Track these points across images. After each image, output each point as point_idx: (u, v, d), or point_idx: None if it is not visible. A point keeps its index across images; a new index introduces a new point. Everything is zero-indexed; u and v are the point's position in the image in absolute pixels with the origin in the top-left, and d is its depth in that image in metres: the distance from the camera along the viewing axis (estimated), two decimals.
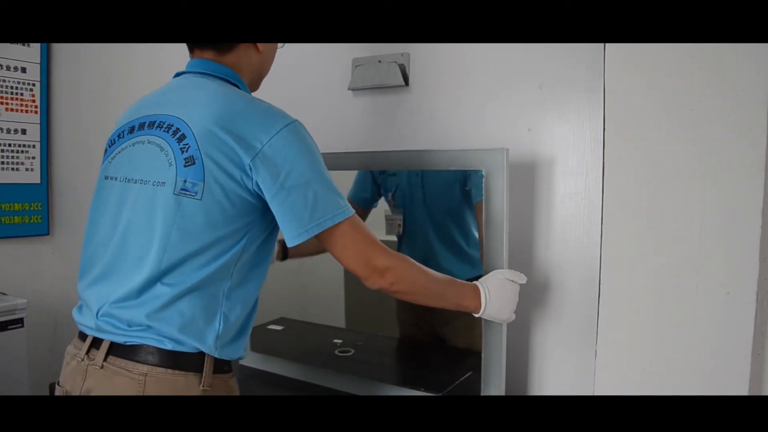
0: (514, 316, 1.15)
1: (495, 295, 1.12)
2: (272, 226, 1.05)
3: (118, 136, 1.08)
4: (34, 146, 2.23)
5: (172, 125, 0.99)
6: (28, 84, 2.20)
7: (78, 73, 2.26)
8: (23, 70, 2.19)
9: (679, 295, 0.96)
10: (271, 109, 0.99)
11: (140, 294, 0.97)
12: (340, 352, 1.55)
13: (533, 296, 1.30)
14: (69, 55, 2.27)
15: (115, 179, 1.05)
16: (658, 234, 1.01)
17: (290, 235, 0.97)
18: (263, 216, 1.02)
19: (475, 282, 1.14)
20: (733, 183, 0.95)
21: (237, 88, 1.06)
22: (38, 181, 2.25)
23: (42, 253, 2.29)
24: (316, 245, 1.01)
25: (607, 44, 1.05)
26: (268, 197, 0.97)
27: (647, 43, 1.01)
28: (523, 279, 1.15)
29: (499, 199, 1.16)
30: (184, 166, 0.95)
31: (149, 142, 1.01)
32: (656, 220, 1.01)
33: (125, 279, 0.99)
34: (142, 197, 0.99)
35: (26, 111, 2.21)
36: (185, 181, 0.95)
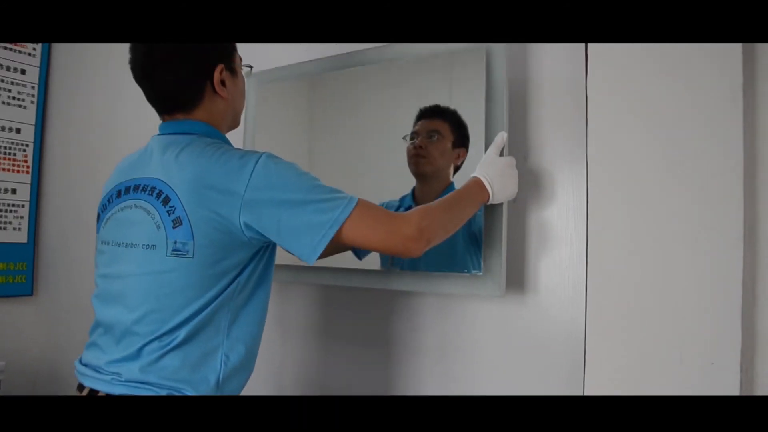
0: (517, 189, 1.19)
1: (495, 177, 1.15)
2: (266, 260, 1.08)
3: (108, 201, 1.11)
4: (23, 206, 2.23)
5: (155, 188, 1.02)
6: (22, 144, 2.23)
7: (71, 136, 2.29)
8: (18, 130, 2.21)
9: (664, 367, 0.97)
10: (241, 155, 1.01)
11: (138, 353, 0.99)
12: None
13: (518, 361, 1.30)
14: (63, 117, 2.31)
15: (109, 244, 1.08)
16: (642, 304, 1.03)
17: (307, 250, 0.97)
18: (255, 253, 1.04)
19: (472, 176, 1.16)
20: (716, 253, 0.98)
21: (210, 139, 1.08)
22: (25, 241, 2.23)
23: (24, 314, 2.24)
24: (331, 249, 1.01)
25: (589, 115, 1.09)
26: (269, 233, 0.98)
27: (630, 117, 1.06)
28: (503, 138, 1.18)
29: (500, 77, 1.23)
30: (173, 228, 0.98)
31: (136, 207, 1.04)
32: (641, 290, 1.03)
33: (121, 339, 1.02)
34: (134, 260, 1.02)
35: (18, 171, 2.22)
36: (176, 242, 0.98)
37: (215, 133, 1.11)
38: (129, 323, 1.01)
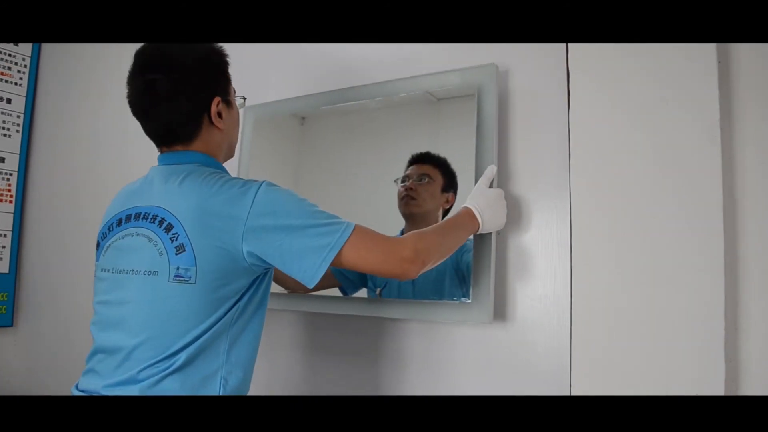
0: (505, 219, 1.23)
1: (485, 207, 1.19)
2: (264, 286, 1.10)
3: (108, 229, 1.13)
4: (5, 235, 2.21)
5: (158, 216, 1.04)
6: (6, 173, 2.21)
7: (56, 166, 2.28)
8: (2, 159, 2.20)
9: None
10: (242, 183, 1.04)
11: (137, 377, 0.99)
12: None
13: (503, 387, 1.29)
14: (48, 147, 2.30)
15: (109, 271, 1.09)
16: (626, 338, 1.03)
17: (308, 274, 1.00)
18: (254, 280, 1.07)
19: (463, 206, 1.20)
20: (697, 286, 0.99)
21: (210, 169, 1.10)
22: (6, 271, 2.21)
23: (3, 345, 2.20)
24: (327, 279, 1.04)
25: (571, 152, 1.11)
26: (272, 258, 1.01)
27: (611, 154, 1.08)
28: (493, 170, 1.23)
29: (491, 114, 1.28)
30: (176, 254, 1.00)
31: (137, 234, 1.06)
32: (625, 323, 1.04)
33: (121, 364, 1.02)
34: (136, 286, 1.04)
35: (1, 200, 2.20)
36: (178, 268, 1.00)
37: (214, 163, 1.14)
38: (130, 348, 1.01)
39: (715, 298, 0.97)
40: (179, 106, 1.09)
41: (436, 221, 1.36)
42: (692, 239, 1.00)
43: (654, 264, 1.03)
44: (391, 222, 1.41)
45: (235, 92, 1.22)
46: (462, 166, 1.35)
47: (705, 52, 1.03)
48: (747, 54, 1.08)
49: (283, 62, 1.72)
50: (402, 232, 1.41)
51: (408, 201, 1.40)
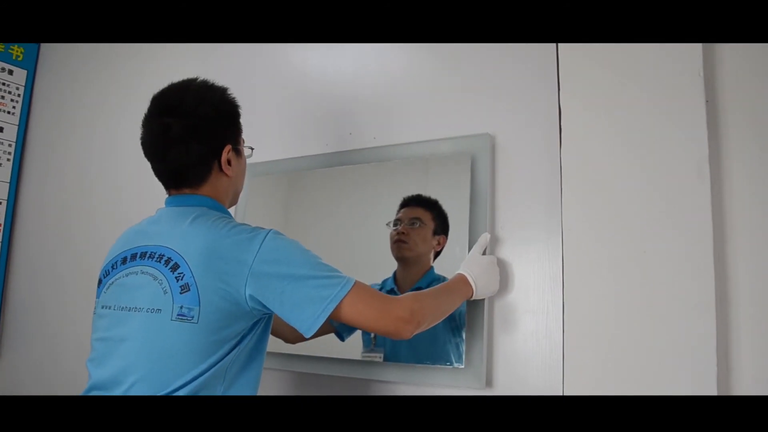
0: (498, 286, 1.27)
1: (479, 275, 1.22)
2: (262, 331, 1.11)
3: (112, 267, 1.13)
4: None
5: (164, 255, 1.05)
6: None
7: (46, 195, 2.27)
8: None
9: None
10: (251, 230, 1.06)
11: None
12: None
13: None
14: (38, 176, 2.30)
15: (110, 308, 1.09)
16: (619, 373, 1.03)
17: (306, 324, 1.02)
18: (254, 324, 1.08)
19: (457, 272, 1.23)
20: (688, 322, 1.00)
21: (218, 213, 1.13)
22: None
23: None
24: (324, 327, 1.05)
25: (564, 187, 1.13)
26: (272, 305, 1.02)
27: (603, 188, 1.09)
28: (486, 238, 1.27)
29: (485, 182, 1.32)
30: (180, 293, 1.01)
31: (142, 273, 1.07)
32: (617, 359, 1.04)
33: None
34: (138, 323, 1.04)
35: None
36: (182, 307, 1.01)
37: (221, 208, 1.17)
38: (128, 385, 1.01)
39: (706, 332, 0.98)
40: (191, 150, 1.11)
41: (428, 263, 1.39)
42: (684, 270, 1.02)
43: (646, 300, 1.03)
44: (383, 266, 1.44)
45: (244, 142, 1.25)
46: (456, 231, 1.37)
47: (693, 90, 1.06)
48: (733, 93, 1.11)
49: (280, 122, 1.73)
50: (394, 275, 1.43)
51: (400, 245, 1.42)
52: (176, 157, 1.11)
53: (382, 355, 1.38)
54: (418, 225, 1.41)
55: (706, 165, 1.03)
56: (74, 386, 1.12)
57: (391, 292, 1.41)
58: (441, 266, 1.37)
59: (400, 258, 1.43)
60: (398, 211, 1.45)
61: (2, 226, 2.23)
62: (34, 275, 2.23)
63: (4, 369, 2.21)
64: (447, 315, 1.19)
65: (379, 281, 1.45)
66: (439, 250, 1.39)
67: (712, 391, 0.96)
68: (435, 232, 1.40)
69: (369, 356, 1.40)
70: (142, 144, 1.15)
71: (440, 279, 1.35)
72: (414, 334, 1.07)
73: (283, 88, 1.74)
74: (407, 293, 1.11)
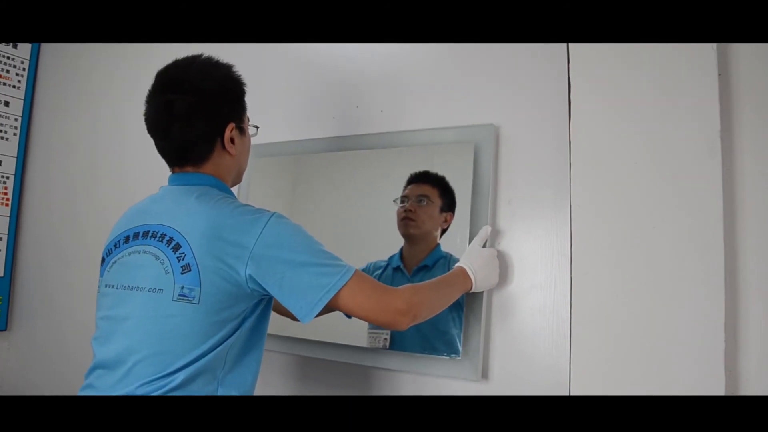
0: (498, 279, 1.27)
1: (479, 268, 1.23)
2: (262, 311, 1.11)
3: (115, 246, 1.14)
4: (1, 239, 2.20)
5: (166, 235, 1.05)
6: (2, 177, 2.21)
7: (53, 170, 2.28)
8: None
9: None
10: (254, 211, 1.06)
11: (134, 393, 1.00)
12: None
13: None
14: (45, 150, 2.30)
15: (113, 287, 1.10)
16: (626, 349, 1.03)
17: (304, 311, 1.02)
18: (256, 304, 1.09)
19: (457, 265, 1.24)
20: (697, 297, 0.99)
21: (221, 192, 1.12)
22: (1, 274, 2.20)
23: None
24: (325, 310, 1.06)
25: (572, 161, 1.11)
26: (271, 288, 1.02)
27: (612, 163, 1.08)
28: (487, 231, 1.27)
29: (487, 174, 1.32)
30: (181, 274, 1.01)
31: (144, 252, 1.07)
32: (624, 334, 1.03)
33: (120, 380, 1.02)
34: (139, 303, 1.05)
35: None
36: (183, 287, 1.01)
37: (223, 187, 1.16)
38: (130, 364, 1.02)
39: (715, 309, 0.97)
40: (194, 127, 1.11)
41: (435, 241, 1.39)
42: (693, 249, 1.00)
43: (654, 273, 1.03)
44: (387, 247, 1.44)
45: (249, 120, 1.24)
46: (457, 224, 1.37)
47: (706, 64, 1.04)
48: (746, 66, 1.08)
49: (287, 104, 1.72)
50: (401, 252, 1.43)
51: (407, 223, 1.42)
52: (179, 134, 1.11)
53: (388, 334, 1.39)
54: (425, 202, 1.41)
55: (717, 140, 1.01)
56: (81, 363, 1.13)
57: (397, 269, 1.41)
58: (447, 244, 1.37)
59: (407, 235, 1.43)
60: (405, 187, 1.44)
61: (10, 201, 2.23)
62: (42, 249, 2.25)
63: (12, 345, 2.24)
64: (445, 308, 1.20)
65: (386, 258, 1.45)
66: (446, 227, 1.38)
67: (719, 367, 0.96)
68: (442, 210, 1.39)
69: (375, 333, 1.40)
70: (146, 120, 1.14)
71: (446, 256, 1.35)
72: (410, 326, 1.08)
73: (291, 70, 1.73)
74: (406, 285, 1.12)
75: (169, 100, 1.10)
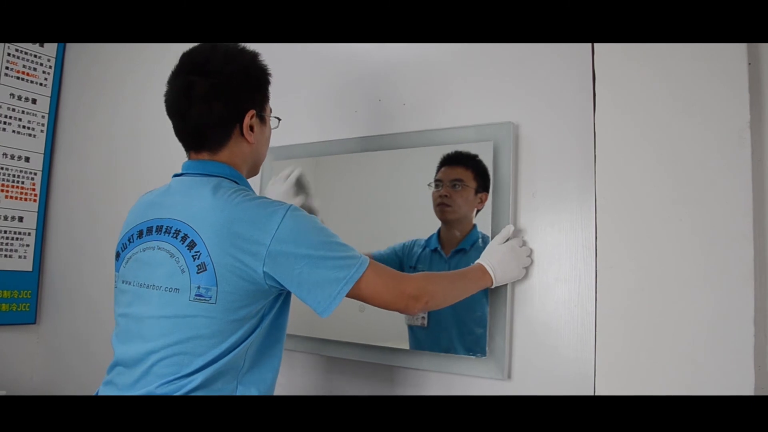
0: (524, 272, 1.28)
1: (497, 263, 1.24)
2: (281, 307, 1.10)
3: (129, 240, 1.12)
4: (29, 234, 2.24)
5: (180, 231, 1.03)
6: (30, 173, 2.25)
7: (79, 166, 2.31)
8: (27, 159, 2.24)
9: None
10: (269, 205, 1.03)
11: (154, 392, 0.99)
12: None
13: None
14: (71, 147, 2.33)
15: (130, 284, 1.09)
16: (651, 342, 1.02)
17: (322, 306, 1.02)
18: (273, 302, 1.08)
19: (477, 261, 1.25)
20: (725, 291, 0.97)
21: (236, 184, 1.10)
22: (30, 269, 2.24)
23: (26, 342, 2.24)
24: None
25: (597, 153, 1.10)
26: (289, 284, 1.02)
27: (638, 155, 1.07)
28: (509, 230, 1.27)
29: (507, 172, 1.33)
30: (197, 273, 1.00)
31: (159, 248, 1.05)
32: (650, 327, 1.02)
33: (139, 380, 1.02)
34: (156, 302, 1.03)
35: (25, 199, 2.24)
36: (199, 287, 1.00)
37: (239, 177, 1.13)
38: (149, 364, 1.01)
39: (744, 304, 0.96)
40: (213, 110, 1.08)
41: (471, 223, 1.38)
42: (720, 241, 0.98)
43: (681, 266, 1.01)
44: (429, 225, 1.44)
45: (271, 111, 1.22)
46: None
47: (735, 53, 1.02)
48: None
49: (307, 104, 1.72)
50: (438, 233, 1.43)
51: (443, 209, 1.42)
52: (197, 116, 1.08)
53: (426, 317, 1.39)
54: (459, 187, 1.39)
55: (747, 131, 0.99)
56: (106, 355, 1.13)
57: (435, 251, 1.41)
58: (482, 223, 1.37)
59: (444, 220, 1.43)
60: (438, 169, 1.43)
61: (38, 197, 2.27)
62: (68, 244, 2.28)
63: (41, 339, 2.27)
64: (458, 300, 1.21)
65: (424, 239, 1.45)
66: (481, 207, 1.37)
67: (748, 363, 0.94)
68: (476, 191, 1.38)
69: (412, 323, 1.42)
70: (165, 101, 1.12)
71: (483, 237, 1.34)
72: (420, 312, 1.11)
73: (313, 66, 1.73)
74: (419, 272, 1.15)
75: (191, 81, 1.08)
